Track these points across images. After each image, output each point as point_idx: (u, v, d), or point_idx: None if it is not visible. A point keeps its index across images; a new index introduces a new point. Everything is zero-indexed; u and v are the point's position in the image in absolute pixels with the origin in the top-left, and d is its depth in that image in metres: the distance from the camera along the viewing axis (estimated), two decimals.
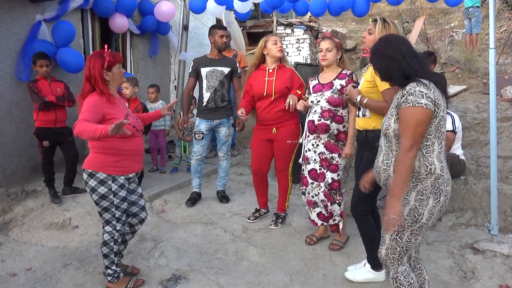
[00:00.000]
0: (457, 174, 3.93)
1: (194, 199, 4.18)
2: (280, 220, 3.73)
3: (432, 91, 1.78)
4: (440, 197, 1.85)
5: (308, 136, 3.22)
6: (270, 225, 3.70)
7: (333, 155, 3.11)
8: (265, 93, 3.48)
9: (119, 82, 2.62)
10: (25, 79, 4.22)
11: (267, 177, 3.84)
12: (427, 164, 1.82)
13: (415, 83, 1.80)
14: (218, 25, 4.23)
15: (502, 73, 6.74)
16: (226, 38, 4.09)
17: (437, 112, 1.79)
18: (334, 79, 3.13)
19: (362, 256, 2.96)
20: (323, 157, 3.15)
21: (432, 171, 1.82)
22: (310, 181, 3.25)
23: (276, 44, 3.47)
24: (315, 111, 3.15)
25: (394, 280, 2.02)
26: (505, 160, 4.39)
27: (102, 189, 2.50)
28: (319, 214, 3.25)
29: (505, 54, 8.13)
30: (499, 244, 3.08)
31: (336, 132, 3.09)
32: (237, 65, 4.19)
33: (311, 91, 3.25)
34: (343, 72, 3.14)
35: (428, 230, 3.50)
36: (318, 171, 3.19)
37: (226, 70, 4.04)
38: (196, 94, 4.29)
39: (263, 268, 3.02)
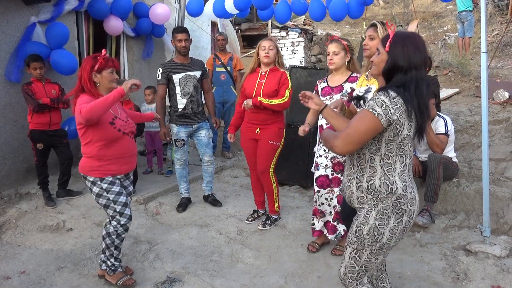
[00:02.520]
0: (450, 176, 3.97)
1: (185, 205, 4.17)
2: (269, 222, 3.73)
3: (396, 106, 1.64)
4: (403, 217, 1.76)
5: (321, 142, 3.16)
6: (258, 225, 3.71)
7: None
8: (253, 94, 3.53)
9: (107, 86, 2.63)
10: (14, 79, 4.20)
11: None
12: (388, 183, 1.74)
13: (383, 92, 1.68)
14: (178, 28, 4.14)
15: (494, 77, 6.83)
16: (185, 42, 3.96)
17: (399, 130, 1.68)
18: (344, 83, 3.08)
19: None
20: (336, 161, 3.08)
21: (393, 191, 1.74)
22: (316, 189, 3.18)
23: (264, 50, 3.49)
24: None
25: None
26: (497, 163, 4.44)
27: (95, 189, 2.64)
28: (326, 223, 3.22)
29: (497, 58, 8.22)
30: (491, 245, 3.11)
31: None
32: (205, 66, 4.18)
33: (320, 93, 3.20)
34: (354, 75, 3.08)
35: (421, 232, 3.54)
36: (330, 176, 3.11)
37: (198, 74, 4.03)
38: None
39: (258, 270, 3.03)
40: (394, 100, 1.65)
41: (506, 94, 5.83)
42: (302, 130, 2.99)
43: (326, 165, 3.12)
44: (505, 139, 4.86)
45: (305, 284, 2.85)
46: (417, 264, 3.03)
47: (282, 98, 3.46)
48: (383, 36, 1.83)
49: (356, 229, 1.82)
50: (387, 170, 1.75)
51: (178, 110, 3.99)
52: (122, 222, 2.68)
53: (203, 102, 4.22)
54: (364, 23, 11.70)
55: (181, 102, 3.98)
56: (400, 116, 1.66)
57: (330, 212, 3.17)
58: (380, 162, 1.75)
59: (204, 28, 7.93)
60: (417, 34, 1.80)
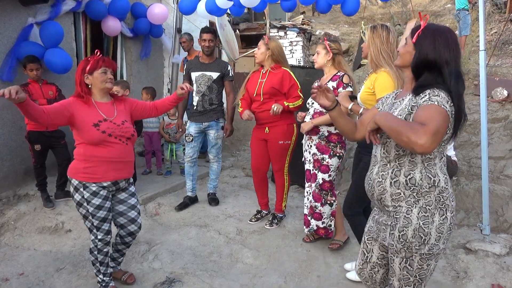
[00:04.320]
0: (449, 175, 3.95)
1: (184, 204, 4.18)
2: (276, 220, 3.75)
3: (449, 103, 1.54)
4: (446, 213, 1.63)
5: (305, 137, 3.31)
6: (266, 225, 3.73)
7: (324, 156, 3.16)
8: (255, 94, 3.58)
9: (100, 87, 2.50)
10: (5, 78, 4.17)
11: (267, 177, 3.86)
12: (430, 176, 1.63)
13: (437, 89, 1.55)
14: (205, 28, 4.18)
15: (493, 75, 6.81)
16: (209, 42, 4.00)
17: (448, 128, 1.57)
18: (328, 81, 3.16)
19: (356, 257, 2.97)
20: (316, 158, 3.20)
21: (436, 184, 1.62)
22: (305, 181, 3.32)
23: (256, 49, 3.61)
24: (309, 112, 3.23)
25: None
26: (496, 161, 4.44)
27: (76, 196, 2.48)
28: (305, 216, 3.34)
29: (495, 56, 8.22)
30: (491, 243, 3.11)
31: (326, 133, 3.13)
32: (229, 68, 4.15)
33: None
34: (337, 74, 3.15)
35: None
36: (311, 172, 3.25)
37: (214, 75, 4.04)
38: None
39: (258, 270, 3.03)
40: (447, 97, 1.54)
41: (505, 92, 5.83)
42: (300, 116, 3.28)
43: (310, 160, 3.26)
44: (504, 137, 4.86)
45: (304, 283, 2.84)
46: None
47: (300, 99, 3.50)
48: (414, 27, 1.68)
49: (398, 235, 1.66)
50: (427, 164, 1.64)
51: (193, 107, 4.12)
52: (99, 237, 2.52)
53: (221, 101, 4.20)
54: (363, 22, 11.70)
55: (195, 100, 4.10)
56: (451, 114, 1.55)
57: (307, 206, 3.28)
58: (421, 156, 1.64)
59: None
60: (449, 28, 1.67)
